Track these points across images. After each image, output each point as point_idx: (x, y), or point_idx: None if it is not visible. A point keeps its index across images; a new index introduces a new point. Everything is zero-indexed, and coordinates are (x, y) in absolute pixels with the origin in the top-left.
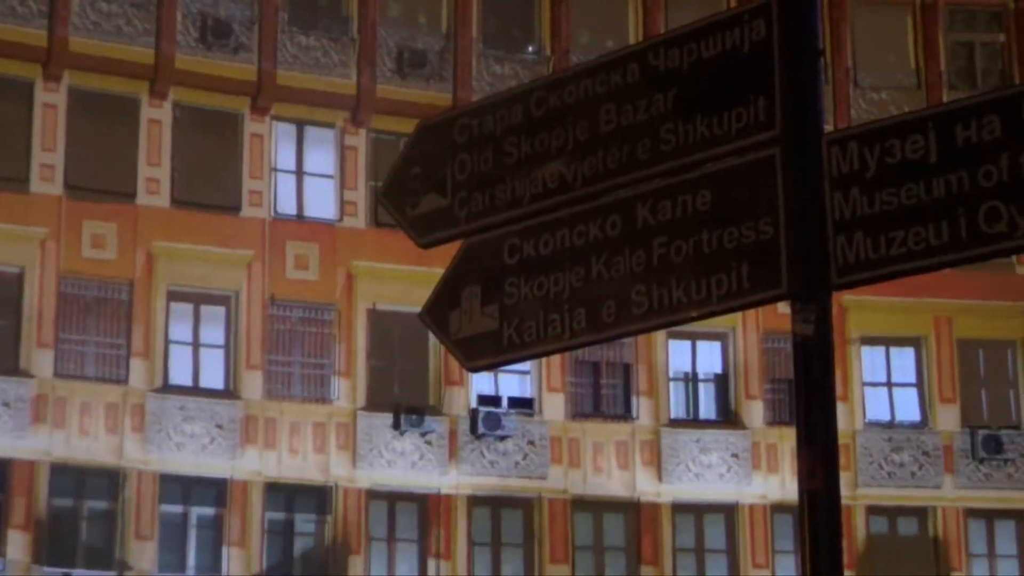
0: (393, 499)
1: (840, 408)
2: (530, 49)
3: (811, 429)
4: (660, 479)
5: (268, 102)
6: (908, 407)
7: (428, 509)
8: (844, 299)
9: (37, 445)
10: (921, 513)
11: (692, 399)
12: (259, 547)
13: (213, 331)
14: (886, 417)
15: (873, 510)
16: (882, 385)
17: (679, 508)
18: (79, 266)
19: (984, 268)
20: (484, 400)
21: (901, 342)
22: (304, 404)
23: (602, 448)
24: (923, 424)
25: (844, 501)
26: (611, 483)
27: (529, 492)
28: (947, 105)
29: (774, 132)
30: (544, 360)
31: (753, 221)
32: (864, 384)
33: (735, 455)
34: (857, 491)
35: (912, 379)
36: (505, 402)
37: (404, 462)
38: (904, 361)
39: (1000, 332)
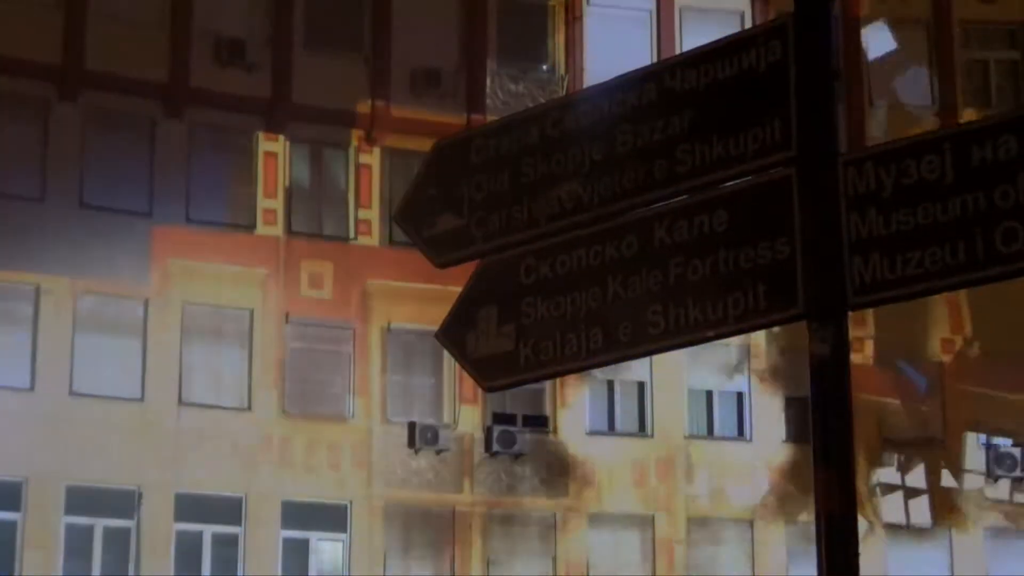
0: (408, 517)
1: None
2: (544, 68)
3: (827, 449)
4: (676, 496)
5: (283, 121)
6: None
7: (443, 527)
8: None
9: None
10: (934, 531)
11: (708, 416)
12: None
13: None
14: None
15: (885, 527)
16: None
17: (695, 524)
18: None
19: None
20: (499, 418)
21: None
22: (319, 422)
23: (617, 465)
24: (937, 440)
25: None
26: (627, 500)
27: (545, 509)
28: (963, 126)
29: (790, 153)
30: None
31: (769, 241)
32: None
33: (750, 472)
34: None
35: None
36: (520, 420)
37: (419, 480)
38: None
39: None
